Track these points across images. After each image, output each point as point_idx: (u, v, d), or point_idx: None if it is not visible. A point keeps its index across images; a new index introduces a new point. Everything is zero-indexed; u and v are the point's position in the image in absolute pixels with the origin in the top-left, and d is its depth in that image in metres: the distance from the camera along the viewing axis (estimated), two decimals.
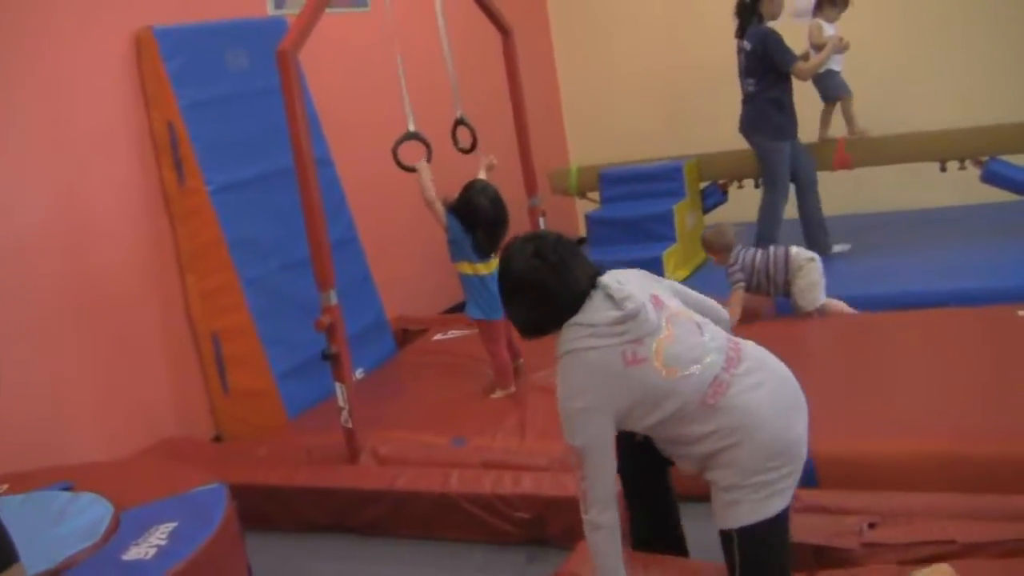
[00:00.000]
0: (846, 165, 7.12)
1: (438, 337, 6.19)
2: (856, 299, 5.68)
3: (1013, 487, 3.33)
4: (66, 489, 3.67)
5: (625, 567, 2.81)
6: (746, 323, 5.54)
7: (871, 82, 7.11)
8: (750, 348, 2.87)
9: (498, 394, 5.01)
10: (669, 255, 6.78)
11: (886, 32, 7.21)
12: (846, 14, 6.95)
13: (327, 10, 4.50)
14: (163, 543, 3.17)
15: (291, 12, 5.72)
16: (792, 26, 7.05)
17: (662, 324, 2.73)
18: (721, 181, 7.73)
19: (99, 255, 4.77)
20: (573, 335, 2.72)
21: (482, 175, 5.15)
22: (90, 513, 3.43)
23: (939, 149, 7.01)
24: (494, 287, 4.89)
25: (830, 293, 5.63)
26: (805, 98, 6.92)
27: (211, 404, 5.30)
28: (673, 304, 2.84)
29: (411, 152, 5.13)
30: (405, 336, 6.40)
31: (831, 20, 6.91)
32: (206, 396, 5.29)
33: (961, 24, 7.77)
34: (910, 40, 7.54)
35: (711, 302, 3.09)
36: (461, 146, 5.40)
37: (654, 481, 3.21)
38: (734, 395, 2.70)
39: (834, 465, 3.69)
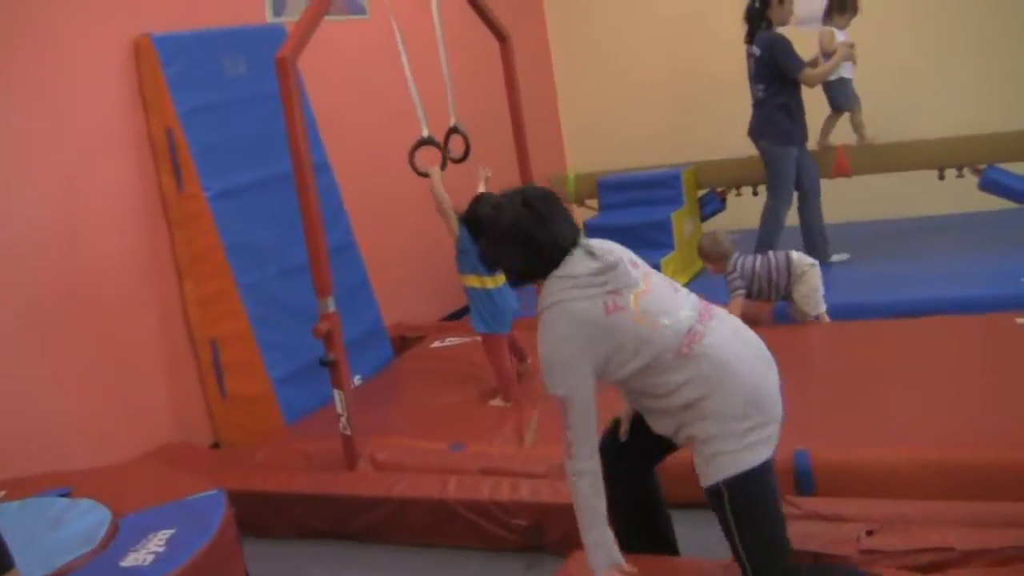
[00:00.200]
0: (845, 173, 7.12)
1: (436, 344, 6.19)
2: (854, 307, 5.69)
3: (1011, 494, 3.33)
4: (64, 495, 3.67)
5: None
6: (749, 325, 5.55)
7: (869, 91, 7.10)
8: (722, 312, 2.98)
9: (498, 402, 5.01)
10: (667, 263, 6.78)
11: (885, 42, 7.21)
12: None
13: (326, 17, 4.51)
14: (161, 549, 3.17)
15: (290, 19, 5.73)
16: (803, 32, 7.04)
17: (639, 279, 2.84)
18: (719, 189, 7.74)
19: (97, 260, 4.77)
20: (556, 287, 2.80)
21: (481, 188, 5.13)
22: (88, 519, 3.42)
23: (937, 157, 7.01)
24: (500, 300, 4.93)
25: (828, 301, 5.64)
26: (815, 105, 6.92)
27: (209, 410, 5.29)
28: (650, 269, 2.95)
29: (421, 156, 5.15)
30: (403, 343, 6.40)
31: (841, 27, 6.89)
32: (204, 402, 5.28)
33: (959, 33, 7.79)
34: (908, 49, 7.55)
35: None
36: (453, 155, 5.39)
37: (641, 483, 3.22)
38: (708, 345, 2.78)
39: (832, 472, 3.70)
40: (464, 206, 4.73)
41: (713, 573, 3.12)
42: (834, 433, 4.03)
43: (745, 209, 7.51)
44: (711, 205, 7.77)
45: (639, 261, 2.92)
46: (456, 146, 5.38)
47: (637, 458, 3.14)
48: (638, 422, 3.06)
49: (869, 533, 3.15)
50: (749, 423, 2.75)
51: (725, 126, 8.10)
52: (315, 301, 4.38)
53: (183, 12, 5.26)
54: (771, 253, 5.70)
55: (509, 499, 3.86)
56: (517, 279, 3.01)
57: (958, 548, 2.99)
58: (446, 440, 4.52)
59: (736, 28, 6.97)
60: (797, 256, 5.65)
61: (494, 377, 5.09)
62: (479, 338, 5.19)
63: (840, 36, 6.85)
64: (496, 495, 3.89)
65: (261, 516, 4.23)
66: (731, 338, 2.86)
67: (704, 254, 5.74)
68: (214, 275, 5.13)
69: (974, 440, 3.74)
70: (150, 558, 3.12)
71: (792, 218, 6.91)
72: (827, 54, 6.84)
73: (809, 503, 3.44)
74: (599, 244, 2.88)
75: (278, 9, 5.97)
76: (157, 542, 3.22)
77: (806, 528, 3.24)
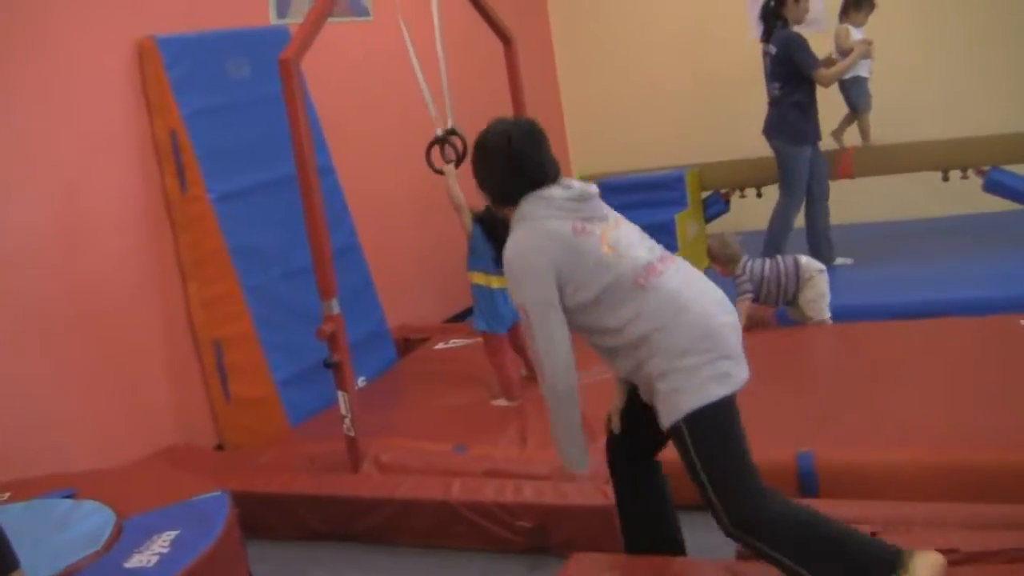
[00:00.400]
0: (848, 174, 7.12)
1: (440, 346, 6.20)
2: (858, 308, 5.69)
3: (1016, 496, 3.33)
4: (68, 497, 3.67)
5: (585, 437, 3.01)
6: (748, 331, 5.54)
7: (874, 92, 7.10)
8: (684, 261, 3.07)
9: (501, 402, 5.01)
10: None
11: (889, 44, 7.20)
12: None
13: (329, 19, 4.51)
14: (165, 551, 3.17)
15: (293, 21, 5.73)
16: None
17: (609, 217, 3.01)
18: (723, 190, 7.74)
19: (101, 263, 4.77)
20: (531, 205, 2.94)
21: None
22: (92, 521, 3.43)
23: (941, 159, 7.02)
24: (501, 302, 4.93)
25: (832, 302, 5.63)
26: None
27: (213, 412, 5.29)
28: (622, 217, 3.09)
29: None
30: (407, 345, 6.40)
31: (858, 24, 6.85)
32: (208, 404, 5.29)
33: (963, 35, 7.79)
34: (912, 51, 7.55)
35: None
36: (448, 158, 5.38)
37: (648, 481, 3.23)
38: (663, 280, 2.89)
39: (836, 474, 3.71)
40: (477, 204, 4.75)
41: (718, 574, 3.11)
42: (838, 435, 4.03)
43: (749, 211, 7.52)
44: (715, 207, 7.78)
45: (615, 213, 3.06)
46: (450, 151, 5.38)
47: (636, 448, 3.18)
48: (630, 412, 3.12)
49: (873, 535, 3.14)
50: (701, 358, 2.80)
51: (729, 128, 8.13)
52: (319, 303, 4.39)
53: (187, 14, 5.27)
54: (780, 257, 5.69)
55: (513, 501, 3.86)
56: (498, 198, 3.06)
57: (962, 550, 2.99)
58: (450, 442, 4.52)
59: (740, 29, 6.99)
60: (806, 261, 5.65)
61: (495, 377, 5.09)
62: (481, 339, 5.19)
63: (856, 34, 6.83)
64: (500, 497, 3.89)
65: (265, 518, 4.24)
66: (688, 279, 2.95)
67: (713, 256, 5.73)
68: (218, 277, 5.13)
69: (978, 442, 3.74)
70: (154, 559, 3.12)
71: (800, 220, 6.90)
72: (843, 52, 6.81)
73: (813, 504, 3.43)
74: (578, 181, 3.03)
75: (282, 11, 5.97)
76: (161, 544, 3.22)
77: None
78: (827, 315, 5.60)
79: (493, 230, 4.81)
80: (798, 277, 5.58)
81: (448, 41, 5.29)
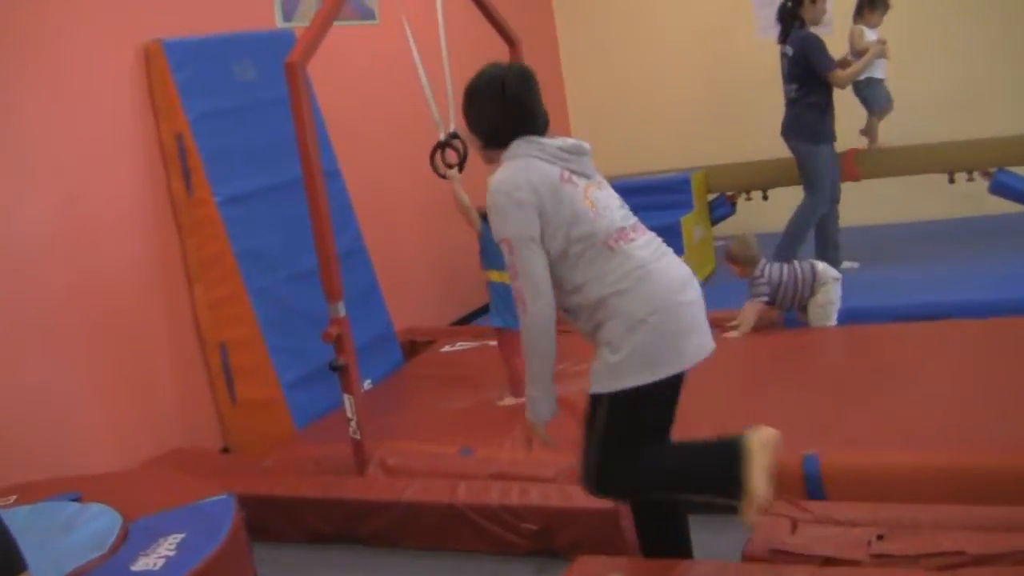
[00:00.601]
0: (853, 176, 7.12)
1: (446, 349, 6.19)
2: (863, 311, 5.68)
3: (1022, 498, 3.32)
4: (74, 500, 3.67)
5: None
6: (756, 331, 5.56)
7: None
8: (655, 235, 3.13)
9: (508, 401, 5.02)
10: None
11: (894, 45, 7.19)
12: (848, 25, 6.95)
13: (335, 23, 4.52)
14: (171, 554, 3.17)
15: (299, 24, 5.74)
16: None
17: (595, 176, 3.09)
18: (729, 193, 7.73)
19: (107, 265, 4.78)
20: (523, 146, 3.00)
21: None
22: (98, 524, 3.43)
23: (947, 161, 7.01)
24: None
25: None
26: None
27: (219, 415, 5.30)
28: (605, 182, 3.16)
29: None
30: (413, 348, 6.40)
31: (873, 25, 6.84)
32: (214, 407, 5.29)
33: (969, 37, 7.79)
34: (917, 53, 7.54)
35: None
36: (449, 162, 5.37)
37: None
38: (633, 247, 2.96)
39: (842, 476, 3.70)
40: (483, 203, 4.75)
41: (721, 574, 3.12)
42: (844, 437, 4.03)
43: (755, 213, 7.52)
44: (721, 209, 7.77)
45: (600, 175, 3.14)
46: (451, 154, 5.37)
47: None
48: None
49: (880, 537, 3.15)
50: (652, 334, 2.87)
51: (735, 130, 8.14)
52: (325, 305, 4.39)
53: (193, 18, 5.27)
54: (797, 263, 5.68)
55: (519, 503, 3.86)
56: (490, 140, 3.09)
57: (970, 552, 2.98)
58: (456, 444, 4.52)
59: (747, 31, 6.98)
60: (823, 267, 5.65)
61: (505, 373, 5.08)
62: (494, 341, 5.19)
63: (870, 35, 6.80)
64: (506, 499, 3.89)
65: (271, 520, 4.24)
66: (656, 252, 3.01)
67: (732, 257, 5.69)
68: (224, 280, 5.13)
69: (985, 444, 3.74)
70: (160, 562, 3.13)
71: None
72: (857, 53, 6.79)
73: (819, 507, 3.43)
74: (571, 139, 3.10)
75: (288, 14, 5.98)
76: (167, 546, 3.22)
77: (816, 532, 3.24)
78: (832, 322, 5.60)
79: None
80: (814, 283, 5.57)
81: (453, 44, 5.29)
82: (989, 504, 3.30)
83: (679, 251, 6.88)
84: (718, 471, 2.90)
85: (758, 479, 2.81)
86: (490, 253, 4.94)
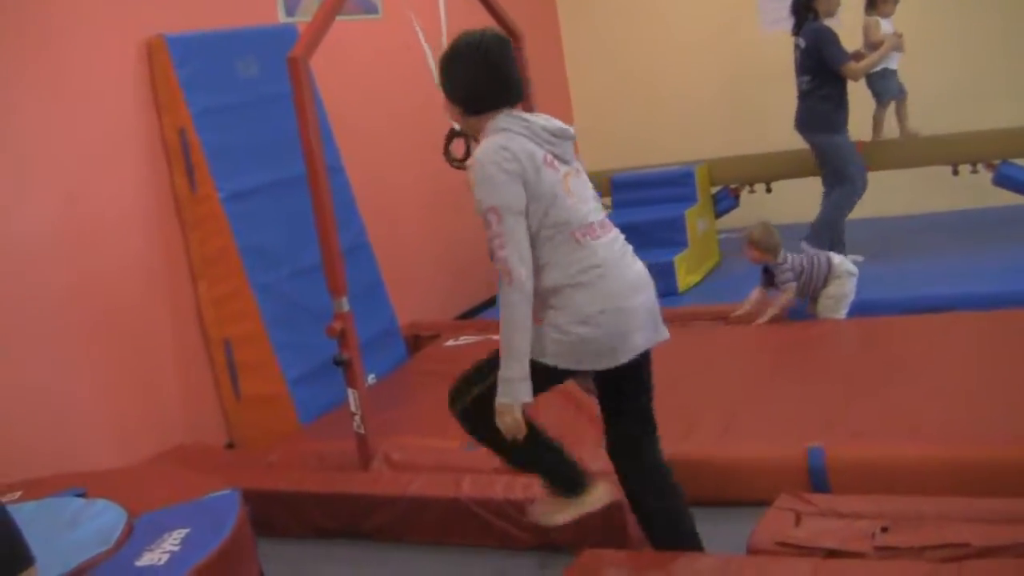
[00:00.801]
0: None
1: (450, 343, 6.19)
2: (868, 303, 5.67)
3: None
4: (79, 495, 3.68)
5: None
6: (762, 322, 5.57)
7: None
8: (619, 233, 3.12)
9: None
10: (680, 260, 6.76)
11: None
12: (854, 17, 6.93)
13: (338, 17, 4.51)
14: (176, 549, 3.18)
15: (302, 19, 5.74)
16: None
17: (575, 163, 3.08)
18: (733, 186, 7.72)
19: (111, 262, 4.78)
20: (511, 120, 2.99)
21: None
22: (103, 519, 3.44)
23: (951, 153, 7.00)
24: None
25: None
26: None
27: (223, 410, 5.31)
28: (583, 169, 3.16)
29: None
30: (417, 342, 6.40)
31: (887, 15, 6.79)
32: (218, 402, 5.30)
33: (972, 28, 7.76)
34: (921, 45, 7.51)
35: None
36: (455, 157, 5.37)
37: (655, 473, 3.24)
38: (598, 243, 2.97)
39: (847, 469, 3.70)
40: None
41: (728, 569, 3.11)
42: (848, 429, 4.02)
43: (758, 206, 7.50)
44: (724, 202, 7.76)
45: (579, 163, 3.14)
46: (458, 148, 5.36)
47: (631, 430, 3.22)
48: (606, 399, 3.22)
49: (884, 530, 3.14)
50: (595, 332, 2.92)
51: (738, 123, 8.13)
52: (329, 301, 4.39)
53: (195, 13, 5.28)
54: (816, 255, 5.67)
55: (523, 497, 3.85)
56: (471, 106, 3.07)
57: (974, 544, 2.98)
58: (460, 439, 4.50)
59: (751, 24, 6.96)
60: (839, 260, 5.65)
61: None
62: (497, 336, 5.17)
63: (886, 26, 6.78)
64: (510, 494, 3.89)
65: (275, 516, 4.24)
66: (618, 252, 3.03)
67: (754, 242, 5.63)
68: (228, 276, 5.14)
69: (990, 436, 3.73)
70: (165, 558, 3.13)
71: (810, 214, 6.87)
72: (871, 44, 6.77)
73: (823, 500, 3.43)
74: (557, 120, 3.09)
75: (290, 9, 5.98)
76: (172, 542, 3.22)
77: (820, 525, 3.23)
78: (840, 315, 5.59)
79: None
80: (828, 275, 5.57)
81: (449, 38, 5.28)
82: (993, 496, 3.30)
83: (683, 245, 6.94)
84: (557, 479, 3.20)
85: (569, 514, 3.20)
86: None
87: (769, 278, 5.69)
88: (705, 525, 3.30)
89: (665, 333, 3.11)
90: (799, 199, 7.27)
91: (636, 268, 3.07)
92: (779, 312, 5.60)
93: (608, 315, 2.92)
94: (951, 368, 4.60)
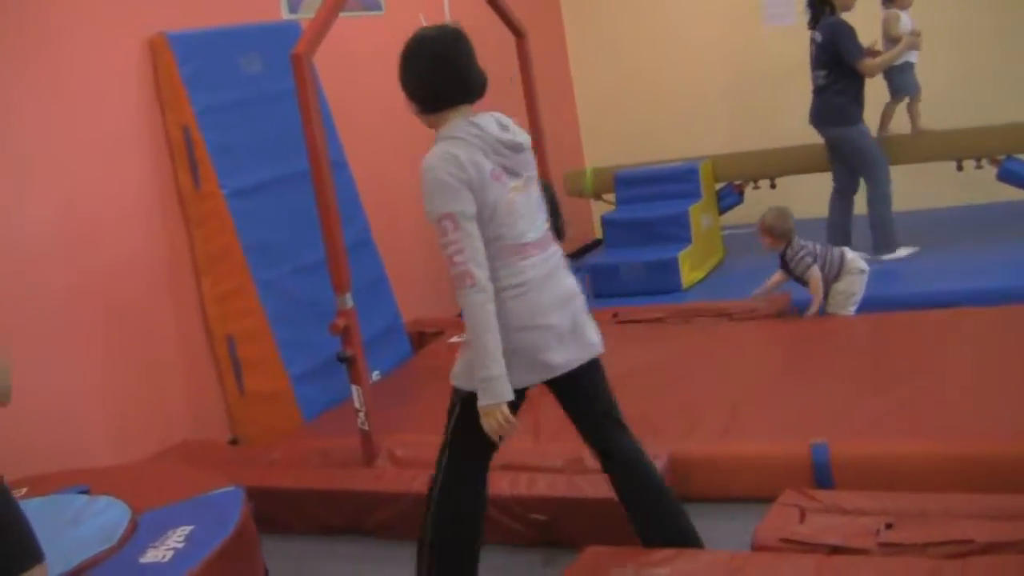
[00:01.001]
0: None
1: (454, 339, 6.17)
2: (873, 299, 5.67)
3: None
4: (83, 493, 3.68)
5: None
6: (767, 317, 5.56)
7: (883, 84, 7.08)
8: (556, 249, 3.18)
9: None
10: (684, 256, 6.76)
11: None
12: (858, 13, 6.90)
13: (341, 14, 4.51)
14: (180, 546, 3.18)
15: (305, 16, 5.74)
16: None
17: (523, 176, 3.08)
18: (737, 182, 7.71)
19: (115, 259, 4.79)
20: (464, 127, 3.00)
21: None
22: (107, 516, 3.44)
23: (955, 148, 6.99)
24: None
25: None
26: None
27: (227, 407, 5.31)
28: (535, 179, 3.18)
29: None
30: (421, 339, 6.39)
31: (905, 7, 6.72)
32: (222, 399, 5.30)
33: (976, 23, 7.75)
34: (925, 40, 7.49)
35: None
36: None
37: (636, 469, 3.26)
38: (526, 264, 3.03)
39: (851, 465, 3.70)
40: None
41: (731, 565, 3.11)
42: (852, 426, 4.02)
43: (763, 202, 7.47)
44: (728, 199, 7.75)
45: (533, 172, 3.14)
46: None
47: (603, 429, 3.26)
48: (571, 405, 3.26)
49: (888, 526, 3.14)
50: (524, 342, 2.99)
51: (742, 120, 8.10)
52: (333, 297, 4.39)
53: (198, 10, 5.27)
54: (830, 248, 5.66)
55: (527, 494, 3.86)
56: (428, 102, 3.07)
57: (978, 541, 2.98)
58: None
59: (754, 20, 6.94)
60: (852, 256, 5.64)
61: None
62: None
63: (906, 19, 6.73)
64: (514, 490, 3.89)
65: (279, 512, 4.25)
66: (552, 271, 3.09)
67: (767, 227, 5.62)
68: (231, 272, 5.14)
69: (994, 433, 3.73)
70: (169, 554, 3.14)
71: (815, 210, 6.86)
72: (890, 39, 6.74)
73: (828, 496, 3.43)
74: (514, 125, 3.09)
75: (293, 6, 5.98)
76: (176, 539, 3.23)
77: (825, 521, 3.23)
78: (849, 312, 5.58)
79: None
80: (839, 270, 5.56)
81: None
82: (998, 493, 3.30)
83: (687, 241, 6.93)
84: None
85: None
86: None
87: (788, 269, 5.68)
88: (709, 521, 3.31)
89: (595, 349, 3.15)
90: (804, 195, 7.25)
91: (564, 284, 3.13)
92: (770, 308, 5.59)
93: (524, 333, 3.00)
94: (956, 364, 4.59)
